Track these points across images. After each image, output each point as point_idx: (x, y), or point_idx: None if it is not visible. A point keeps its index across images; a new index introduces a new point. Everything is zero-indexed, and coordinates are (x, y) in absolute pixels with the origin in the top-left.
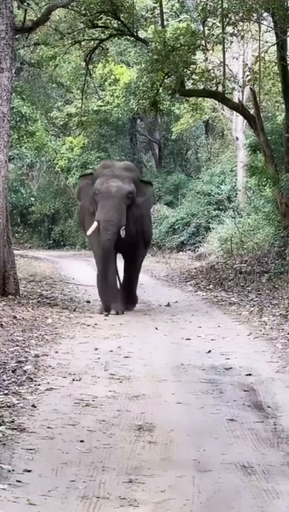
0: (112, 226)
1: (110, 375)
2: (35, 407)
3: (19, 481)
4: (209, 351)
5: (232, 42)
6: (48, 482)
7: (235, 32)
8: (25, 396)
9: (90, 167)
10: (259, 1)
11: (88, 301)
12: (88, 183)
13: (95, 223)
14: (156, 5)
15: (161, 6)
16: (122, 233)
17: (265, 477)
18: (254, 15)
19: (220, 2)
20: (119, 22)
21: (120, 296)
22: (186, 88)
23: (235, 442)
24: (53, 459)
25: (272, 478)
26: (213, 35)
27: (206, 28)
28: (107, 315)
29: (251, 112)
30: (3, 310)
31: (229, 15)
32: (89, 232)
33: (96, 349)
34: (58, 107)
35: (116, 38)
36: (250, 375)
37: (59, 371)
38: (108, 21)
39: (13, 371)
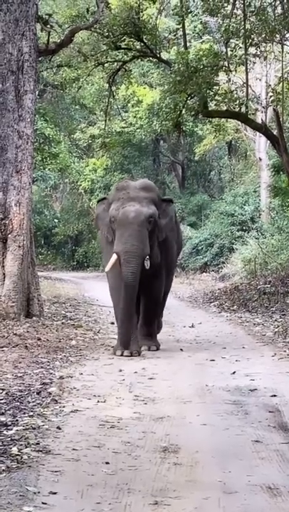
0: (134, 258)
1: (135, 396)
2: (60, 429)
3: (45, 503)
4: (234, 372)
5: (255, 63)
6: (73, 504)
7: (258, 53)
8: (50, 418)
9: None
10: (282, 22)
11: (112, 323)
12: (104, 208)
13: (114, 256)
14: (178, 26)
15: (183, 27)
16: (147, 264)
17: None
18: (277, 36)
19: (242, 23)
20: (142, 44)
21: (136, 333)
22: (209, 109)
23: (261, 464)
24: (79, 481)
25: None
26: (235, 56)
27: (228, 49)
28: (122, 354)
29: (274, 133)
30: (28, 332)
31: (252, 36)
32: (107, 268)
33: (120, 370)
34: (81, 128)
35: (139, 60)
36: (275, 396)
37: (84, 393)
38: (131, 43)
39: (37, 393)
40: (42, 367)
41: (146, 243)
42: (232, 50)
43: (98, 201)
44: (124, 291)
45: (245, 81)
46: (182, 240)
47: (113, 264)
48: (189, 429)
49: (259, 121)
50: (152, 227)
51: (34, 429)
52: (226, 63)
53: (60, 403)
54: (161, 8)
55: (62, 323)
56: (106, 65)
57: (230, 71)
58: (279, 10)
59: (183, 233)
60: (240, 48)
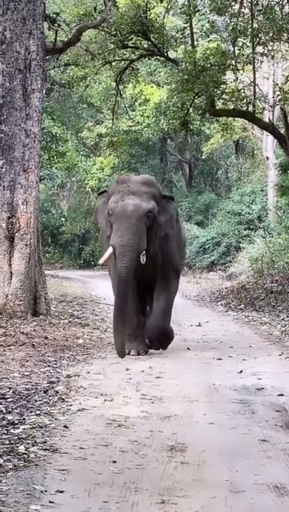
0: (129, 251)
1: (142, 395)
2: (67, 427)
3: (52, 502)
4: (241, 371)
5: (262, 62)
6: (80, 503)
7: (266, 52)
8: (57, 417)
9: None
10: None
11: None
12: (104, 201)
13: (110, 249)
14: (186, 25)
15: (191, 26)
16: (142, 259)
17: None
18: (284, 35)
19: (250, 22)
20: (150, 42)
21: (142, 333)
22: (217, 108)
23: (268, 463)
24: (86, 479)
25: None
26: (243, 55)
27: (236, 48)
28: (129, 353)
29: (282, 132)
30: (35, 330)
31: (259, 35)
32: (101, 261)
33: (127, 369)
34: (89, 127)
35: (146, 59)
36: (281, 395)
37: (91, 391)
38: (138, 42)
39: (44, 392)
40: (49, 365)
41: (143, 238)
42: (239, 49)
43: (99, 194)
44: (118, 286)
45: (252, 80)
46: (185, 239)
47: (108, 257)
48: (196, 428)
49: (266, 120)
50: (151, 222)
51: (41, 427)
52: (233, 62)
53: (67, 402)
54: (169, 6)
55: (69, 321)
56: (113, 63)
57: (238, 70)
58: (286, 9)
59: (190, 232)
60: (248, 46)
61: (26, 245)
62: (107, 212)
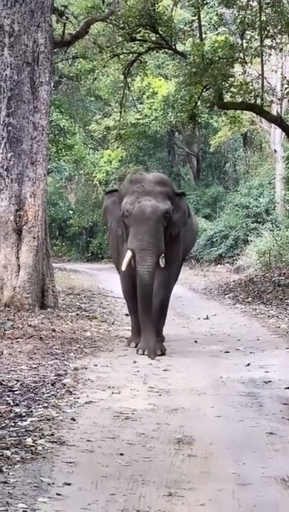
0: (150, 256)
1: (149, 388)
2: (74, 420)
3: (59, 494)
4: (248, 364)
5: (270, 55)
6: (88, 495)
7: (274, 45)
8: (64, 409)
9: None
10: None
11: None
12: (115, 201)
13: (129, 253)
14: (194, 18)
15: (199, 19)
16: (162, 262)
17: None
18: None
19: (258, 15)
20: (158, 35)
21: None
22: (225, 101)
23: (275, 456)
24: (93, 472)
25: None
26: (251, 48)
27: (244, 40)
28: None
29: None
30: (42, 323)
31: (267, 27)
32: (123, 267)
33: (135, 362)
34: (96, 120)
35: (154, 51)
36: None
37: (98, 384)
38: (146, 35)
39: (52, 384)
40: (56, 358)
41: (162, 240)
42: (247, 42)
43: (107, 193)
44: (141, 291)
45: (260, 73)
46: (196, 233)
47: (128, 261)
48: (204, 420)
49: (274, 113)
50: (167, 223)
51: (49, 420)
52: (241, 55)
53: (74, 394)
54: None
55: (77, 314)
56: (121, 56)
57: (246, 63)
58: None
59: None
60: (256, 39)
61: (34, 238)
62: (121, 213)
